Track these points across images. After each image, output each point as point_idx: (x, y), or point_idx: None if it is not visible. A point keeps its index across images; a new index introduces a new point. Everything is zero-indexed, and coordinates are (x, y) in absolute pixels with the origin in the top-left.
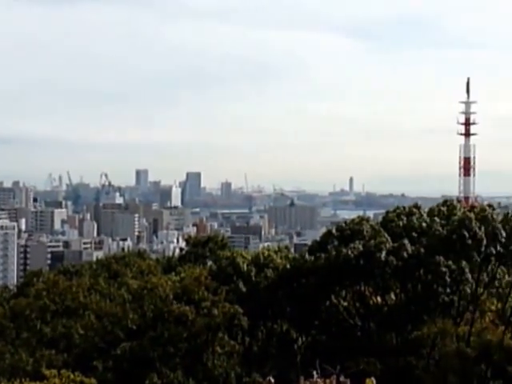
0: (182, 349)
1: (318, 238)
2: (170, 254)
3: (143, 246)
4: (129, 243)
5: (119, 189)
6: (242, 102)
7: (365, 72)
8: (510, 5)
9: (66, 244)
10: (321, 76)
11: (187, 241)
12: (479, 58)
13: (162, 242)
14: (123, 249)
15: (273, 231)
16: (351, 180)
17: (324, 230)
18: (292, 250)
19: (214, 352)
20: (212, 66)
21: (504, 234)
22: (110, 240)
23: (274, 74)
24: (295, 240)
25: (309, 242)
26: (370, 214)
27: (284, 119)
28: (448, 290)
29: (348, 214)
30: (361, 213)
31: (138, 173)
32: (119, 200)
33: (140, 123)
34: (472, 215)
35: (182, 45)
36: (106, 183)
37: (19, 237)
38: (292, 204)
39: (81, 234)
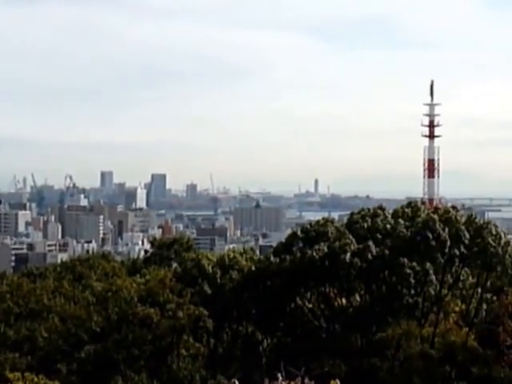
0: (147, 351)
1: (283, 240)
2: (135, 256)
3: (108, 248)
4: (93, 245)
5: (84, 191)
6: (207, 101)
7: (328, 72)
8: (470, 5)
9: (31, 246)
10: (284, 76)
11: (152, 243)
12: (442, 58)
13: (126, 244)
14: (88, 251)
15: (238, 233)
16: (316, 181)
17: (289, 231)
18: (257, 251)
19: (178, 354)
20: (175, 66)
21: (468, 236)
22: (74, 242)
23: (237, 74)
24: (261, 242)
25: (274, 244)
26: (335, 215)
27: (248, 119)
28: (412, 292)
29: (313, 216)
30: (326, 214)
31: (102, 174)
32: (84, 202)
33: (104, 124)
34: (436, 217)
35: (144, 44)
36: (71, 185)
37: None
38: (257, 206)
39: (45, 236)
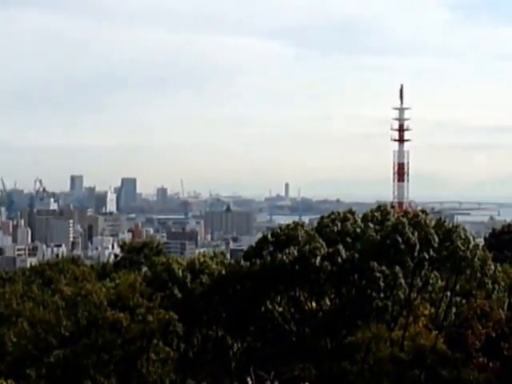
0: (117, 356)
1: (253, 244)
2: (105, 260)
3: (78, 252)
4: (63, 249)
5: (53, 195)
6: (177, 106)
7: (297, 77)
8: (437, 10)
9: (0, 250)
10: (252, 81)
11: (122, 247)
12: (411, 63)
13: (96, 248)
14: (57, 255)
15: (209, 237)
16: (287, 185)
17: (260, 235)
18: (228, 255)
19: (148, 359)
20: (143, 71)
21: (437, 240)
22: (44, 246)
23: (206, 79)
24: (231, 245)
25: (245, 248)
26: (306, 219)
27: (218, 124)
28: (382, 295)
29: (284, 220)
30: (296, 218)
31: (72, 178)
32: (53, 206)
33: (74, 128)
34: (405, 220)
35: (112, 50)
36: (41, 189)
37: None
38: (228, 209)
39: (15, 240)
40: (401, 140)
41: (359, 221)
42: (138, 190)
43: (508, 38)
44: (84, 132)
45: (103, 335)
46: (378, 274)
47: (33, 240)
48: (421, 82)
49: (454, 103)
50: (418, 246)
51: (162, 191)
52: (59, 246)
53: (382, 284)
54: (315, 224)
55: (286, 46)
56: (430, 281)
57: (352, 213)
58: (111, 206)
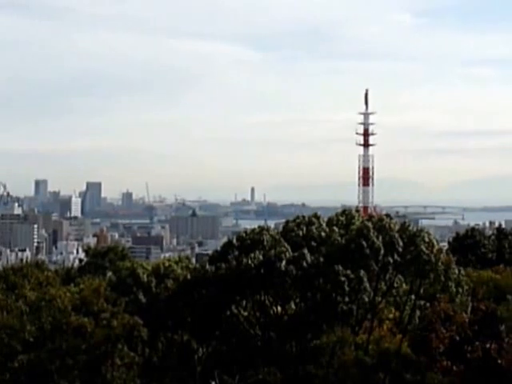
0: (81, 361)
1: (219, 248)
2: (70, 265)
3: (42, 256)
4: (27, 254)
5: (18, 199)
6: (142, 110)
7: (264, 82)
8: (402, 17)
9: None
10: (220, 85)
11: (87, 252)
12: (377, 68)
13: (61, 253)
14: (21, 260)
15: (174, 241)
16: (253, 190)
17: (225, 239)
18: (193, 260)
19: (113, 364)
20: (110, 74)
21: (401, 244)
22: (8, 251)
23: (173, 83)
24: (197, 250)
25: (210, 252)
26: (271, 223)
27: (184, 128)
28: (347, 299)
29: (249, 224)
30: (262, 222)
31: (37, 183)
32: (18, 210)
33: (39, 132)
34: (370, 225)
35: (72, 54)
36: (5, 193)
37: None
38: (194, 214)
39: None
40: (366, 144)
41: (324, 225)
42: (103, 195)
43: (474, 45)
44: (48, 136)
45: (67, 340)
46: (342, 278)
47: None
48: (387, 86)
49: (420, 108)
50: (382, 250)
51: (127, 196)
52: (23, 250)
53: (346, 288)
54: (280, 228)
55: (253, 51)
56: (395, 284)
57: (317, 217)
58: (76, 210)
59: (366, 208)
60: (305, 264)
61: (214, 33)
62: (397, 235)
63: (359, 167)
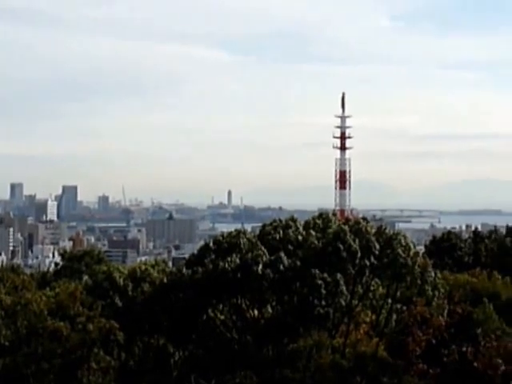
0: (57, 365)
1: (195, 252)
2: (46, 268)
3: (18, 260)
4: (3, 258)
5: None
6: (117, 114)
7: (239, 85)
8: (377, 20)
9: None
10: (195, 89)
11: (63, 255)
12: (354, 71)
13: (37, 257)
14: None
15: (151, 245)
16: (229, 193)
17: (202, 243)
18: (170, 263)
19: (89, 368)
20: (83, 79)
21: (378, 247)
22: None
23: (147, 87)
24: (173, 254)
25: (187, 256)
26: (248, 227)
27: (159, 132)
28: (323, 303)
29: (226, 227)
30: (239, 226)
31: (12, 186)
32: None
33: (14, 136)
34: (347, 228)
35: (53, 58)
36: None
37: None
38: (170, 217)
39: None
40: (342, 148)
41: (301, 228)
42: (79, 198)
43: (452, 48)
44: (24, 139)
45: (43, 344)
46: (319, 282)
47: None
48: (364, 89)
49: (397, 111)
50: (359, 254)
51: (103, 199)
52: None
53: (323, 291)
54: (257, 232)
55: (231, 55)
56: (371, 288)
57: (294, 220)
58: (52, 214)
59: (342, 211)
60: (282, 267)
61: (190, 36)
62: (373, 238)
63: (336, 170)
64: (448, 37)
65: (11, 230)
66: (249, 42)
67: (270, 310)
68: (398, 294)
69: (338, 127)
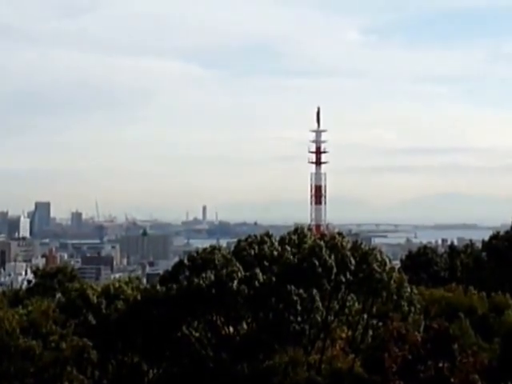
0: None
1: (170, 268)
2: (18, 286)
3: None
4: None
5: None
6: (89, 129)
7: (212, 99)
8: (351, 33)
9: None
10: (167, 103)
11: (35, 273)
12: (329, 85)
13: (9, 275)
14: None
15: (125, 261)
16: (204, 208)
17: (177, 259)
18: (144, 280)
19: None
20: (56, 93)
21: (353, 262)
22: None
23: (120, 101)
24: (148, 270)
25: (161, 272)
26: (224, 242)
27: (131, 147)
28: (299, 319)
29: (201, 243)
30: (214, 242)
31: None
32: None
33: None
34: (322, 243)
35: (25, 72)
36: None
37: None
38: (144, 233)
39: None
40: (318, 162)
41: (276, 244)
42: (52, 215)
43: (423, 62)
44: None
45: (15, 363)
46: (295, 298)
47: None
48: (335, 103)
49: (369, 125)
50: (334, 269)
51: (76, 215)
52: None
53: (299, 307)
54: (232, 247)
55: (201, 68)
56: (347, 303)
57: (269, 236)
58: (24, 230)
59: (318, 226)
60: (257, 283)
61: (160, 50)
62: (349, 254)
63: (311, 185)
64: (420, 51)
65: None
66: (218, 55)
67: (245, 326)
68: (374, 309)
69: (313, 141)
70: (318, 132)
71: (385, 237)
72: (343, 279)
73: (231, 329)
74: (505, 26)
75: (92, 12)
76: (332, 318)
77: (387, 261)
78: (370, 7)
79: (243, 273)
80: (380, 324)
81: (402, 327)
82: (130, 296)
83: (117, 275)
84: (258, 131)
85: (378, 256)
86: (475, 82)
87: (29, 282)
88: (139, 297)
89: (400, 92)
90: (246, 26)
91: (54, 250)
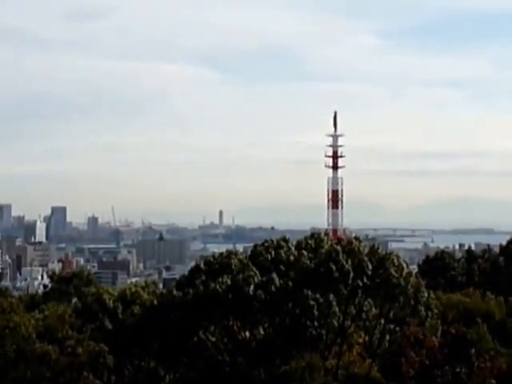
0: None
1: (186, 273)
2: (34, 291)
3: (6, 283)
4: None
5: None
6: (105, 133)
7: (227, 103)
8: (365, 38)
9: None
10: (182, 108)
11: (51, 277)
12: (343, 89)
13: (25, 279)
14: None
15: (141, 266)
16: (221, 213)
17: (193, 264)
18: (161, 285)
19: None
20: (70, 97)
21: (370, 267)
22: None
23: (134, 106)
24: (164, 275)
25: (178, 277)
26: (240, 247)
27: (148, 151)
28: (316, 324)
29: (217, 248)
30: (230, 246)
31: (0, 207)
32: None
33: (1, 156)
34: (339, 248)
35: (39, 77)
36: None
37: None
38: (161, 238)
39: None
40: (335, 167)
41: (293, 249)
42: (69, 219)
43: (438, 66)
44: (12, 159)
45: (31, 368)
46: (311, 303)
47: None
48: (353, 108)
49: (385, 130)
50: (351, 274)
51: (92, 220)
52: None
53: (315, 312)
54: (249, 252)
55: (214, 73)
56: (364, 308)
57: (286, 240)
58: (40, 235)
59: (335, 231)
60: (273, 288)
61: (172, 54)
62: (366, 258)
63: (328, 190)
64: (435, 54)
65: None
66: (232, 60)
67: (261, 331)
68: (391, 314)
69: (329, 146)
70: (335, 136)
71: (402, 241)
72: (360, 284)
73: (248, 334)
74: None
75: (104, 17)
76: (349, 322)
77: (404, 265)
78: (383, 11)
79: (260, 277)
80: (397, 329)
81: (420, 332)
82: (147, 301)
83: (133, 280)
84: (275, 135)
85: (395, 261)
86: (488, 85)
87: (45, 286)
88: (156, 301)
89: (414, 96)
90: (260, 31)
91: (70, 254)
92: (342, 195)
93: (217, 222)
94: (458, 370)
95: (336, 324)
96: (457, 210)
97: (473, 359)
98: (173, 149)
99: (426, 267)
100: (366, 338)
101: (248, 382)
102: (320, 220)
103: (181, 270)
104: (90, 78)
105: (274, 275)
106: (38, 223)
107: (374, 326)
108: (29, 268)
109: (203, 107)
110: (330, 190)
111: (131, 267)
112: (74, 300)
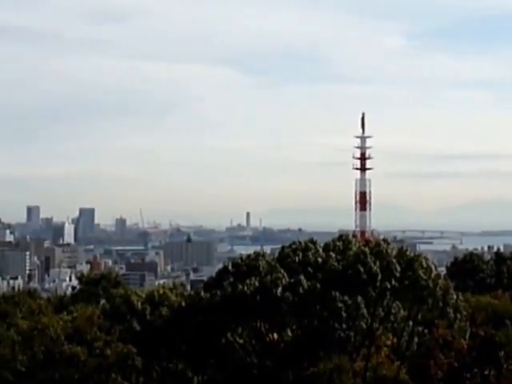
0: None
1: (214, 275)
2: (63, 292)
3: (34, 284)
4: (19, 282)
5: (9, 226)
6: (134, 135)
7: (256, 105)
8: (393, 40)
9: None
10: (212, 109)
11: (80, 279)
12: (371, 91)
13: (54, 281)
14: (13, 288)
15: (169, 268)
16: (248, 215)
17: (221, 266)
18: (188, 286)
19: None
20: (101, 99)
21: (398, 269)
22: None
23: (165, 107)
24: (192, 276)
25: (205, 279)
26: (267, 249)
27: (177, 153)
28: (344, 326)
29: (245, 250)
30: (258, 248)
31: (29, 209)
32: (9, 237)
33: (31, 158)
34: (367, 250)
35: (67, 78)
36: None
37: None
38: (188, 240)
39: None
40: (362, 168)
41: (321, 250)
42: (97, 221)
43: (464, 68)
44: (41, 162)
45: (60, 370)
46: (339, 304)
47: None
48: (381, 109)
49: (414, 131)
50: (379, 276)
51: (120, 222)
52: (15, 278)
53: (343, 314)
54: (277, 254)
55: (245, 74)
56: (392, 310)
57: (313, 242)
58: (69, 237)
59: (363, 233)
60: (301, 290)
61: (201, 56)
62: (394, 260)
63: (356, 191)
64: (464, 55)
65: (27, 253)
66: (259, 62)
67: (289, 333)
68: (420, 316)
69: (357, 148)
70: (363, 138)
71: (430, 243)
72: (388, 286)
73: (276, 336)
74: None
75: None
76: (377, 325)
77: (433, 267)
78: (411, 13)
79: (287, 279)
80: (426, 331)
81: (448, 334)
82: (175, 302)
83: (161, 281)
84: (301, 137)
85: (424, 263)
86: None
87: (73, 288)
88: (183, 303)
89: (442, 98)
90: (287, 32)
91: (98, 256)
92: (369, 197)
93: (244, 223)
94: (486, 372)
95: (364, 326)
96: (485, 212)
97: (501, 362)
98: (200, 150)
99: (455, 269)
100: (395, 340)
101: None
102: (348, 222)
103: (208, 272)
104: (116, 79)
105: (302, 277)
106: (67, 225)
107: (402, 328)
108: (57, 270)
109: (229, 109)
110: (358, 192)
111: (159, 269)
112: (103, 301)
